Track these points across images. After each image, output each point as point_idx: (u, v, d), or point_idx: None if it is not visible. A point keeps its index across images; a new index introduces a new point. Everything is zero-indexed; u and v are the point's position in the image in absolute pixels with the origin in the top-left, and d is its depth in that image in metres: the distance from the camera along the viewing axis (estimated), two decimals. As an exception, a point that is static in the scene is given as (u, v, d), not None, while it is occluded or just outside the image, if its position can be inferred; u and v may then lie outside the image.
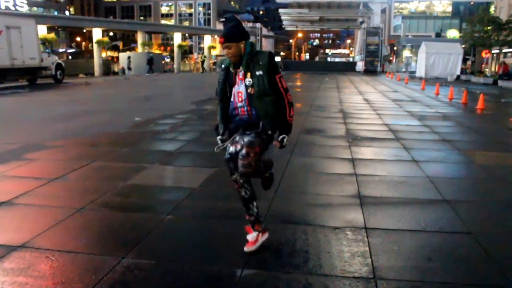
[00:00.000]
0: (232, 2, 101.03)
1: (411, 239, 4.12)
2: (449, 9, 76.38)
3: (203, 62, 49.25)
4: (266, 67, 3.44)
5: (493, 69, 52.03)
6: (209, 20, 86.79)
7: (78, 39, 74.34)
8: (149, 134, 9.45)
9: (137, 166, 6.62)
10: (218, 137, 3.69)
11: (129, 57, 41.21)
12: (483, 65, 53.23)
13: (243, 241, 3.88)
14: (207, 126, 10.59)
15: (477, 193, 5.79)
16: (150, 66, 39.90)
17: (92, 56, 53.45)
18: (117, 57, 56.35)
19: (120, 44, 68.04)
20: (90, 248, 3.83)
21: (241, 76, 3.47)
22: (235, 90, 3.51)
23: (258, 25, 54.10)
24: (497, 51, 47.66)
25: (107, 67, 48.55)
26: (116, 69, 49.45)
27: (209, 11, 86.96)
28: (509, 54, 50.81)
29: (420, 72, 43.06)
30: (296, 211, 4.78)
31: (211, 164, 6.81)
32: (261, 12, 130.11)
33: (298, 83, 29.52)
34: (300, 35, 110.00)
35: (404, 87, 26.54)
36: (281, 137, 3.55)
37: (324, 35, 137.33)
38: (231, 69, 3.51)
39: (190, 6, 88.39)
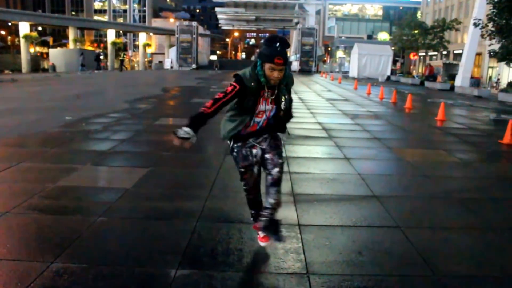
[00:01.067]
0: (168, 0, 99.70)
1: (342, 234, 4.24)
2: (380, 12, 79.54)
3: (122, 61, 46.69)
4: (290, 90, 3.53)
5: (420, 70, 54.67)
6: (144, 17, 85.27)
7: (3, 33, 70.45)
8: (81, 133, 9.12)
9: (68, 167, 6.38)
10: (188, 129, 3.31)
11: (82, 54, 40.00)
12: (411, 67, 55.81)
13: (177, 241, 3.86)
14: (141, 125, 10.39)
15: (404, 189, 6.06)
16: (98, 63, 40.00)
17: (19, 52, 50.85)
18: (47, 53, 53.93)
19: (50, 39, 65.23)
20: (16, 254, 3.64)
21: (266, 97, 3.38)
22: (257, 107, 3.40)
23: (194, 23, 53.58)
24: (424, 54, 50.18)
25: (36, 63, 46.40)
26: (46, 66, 47.32)
27: (144, 8, 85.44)
28: (434, 57, 53.57)
29: (353, 72, 44.56)
30: (231, 209, 4.79)
31: (145, 164, 6.70)
32: (197, 11, 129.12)
33: (235, 82, 29.56)
34: (236, 34, 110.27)
35: (338, 86, 27.31)
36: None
37: (260, 34, 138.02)
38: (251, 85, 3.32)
39: (125, 2, 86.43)
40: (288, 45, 3.37)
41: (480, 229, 4.62)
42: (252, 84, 3.30)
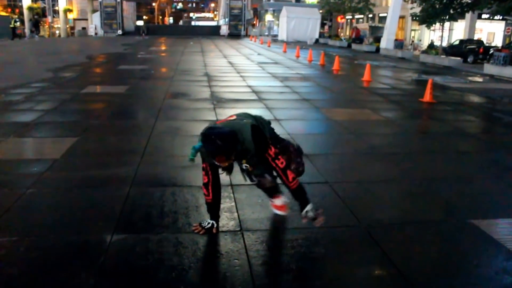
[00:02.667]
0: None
1: (274, 192, 4.39)
2: (308, -25, 79.61)
3: (14, 28, 41.56)
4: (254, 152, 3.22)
5: (347, 33, 55.80)
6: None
7: None
8: (1, 105, 8.64)
9: (-11, 140, 6.07)
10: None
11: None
12: (339, 30, 56.79)
13: (111, 208, 3.86)
14: (67, 94, 9.98)
15: (332, 147, 6.33)
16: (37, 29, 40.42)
17: None
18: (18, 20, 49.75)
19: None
20: None
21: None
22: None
23: (118, -13, 51.31)
24: (351, 17, 51.17)
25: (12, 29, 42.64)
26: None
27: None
28: (360, 20, 54.78)
29: (282, 35, 44.80)
30: (164, 173, 4.80)
31: (73, 133, 6.50)
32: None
33: (163, 48, 28.91)
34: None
35: (267, 50, 27.43)
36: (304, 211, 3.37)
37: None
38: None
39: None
40: (224, 146, 2.97)
41: (401, 180, 4.95)
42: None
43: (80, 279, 2.86)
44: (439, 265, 3.17)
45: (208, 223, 3.46)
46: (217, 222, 3.50)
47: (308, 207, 3.29)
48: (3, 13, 60.85)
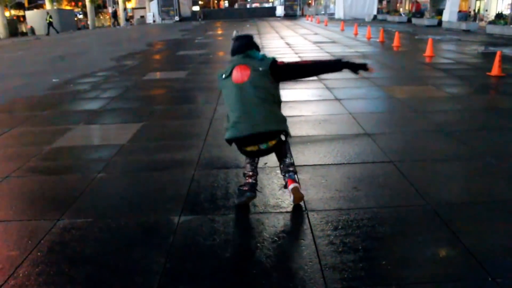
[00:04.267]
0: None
1: (337, 172, 4.36)
2: (363, -51, 77.10)
3: (50, 23, 38.32)
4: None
5: (407, 7, 53.78)
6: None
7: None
8: (70, 94, 9.07)
9: (61, 128, 6.39)
10: None
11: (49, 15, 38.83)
12: (398, 4, 54.83)
13: (177, 190, 3.97)
14: (130, 81, 10.32)
15: (395, 125, 6.16)
16: (115, 19, 47.08)
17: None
18: (23, 16, 52.28)
19: (25, 1, 63.10)
20: (22, 215, 3.73)
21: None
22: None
23: (173, -26, 51.99)
24: (410, -11, 49.10)
25: (14, 27, 44.90)
26: (24, 29, 46.01)
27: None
28: (420, -8, 52.50)
29: (339, 13, 43.81)
30: (227, 156, 4.87)
31: (138, 119, 6.73)
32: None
33: (219, 32, 29.11)
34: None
35: (324, 29, 26.96)
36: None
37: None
38: None
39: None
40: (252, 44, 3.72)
41: (468, 158, 4.75)
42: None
43: (151, 258, 2.98)
44: (510, 245, 3.04)
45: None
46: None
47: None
48: (68, 7, 63.37)
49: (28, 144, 5.76)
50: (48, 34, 36.49)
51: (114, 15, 49.14)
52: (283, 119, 3.46)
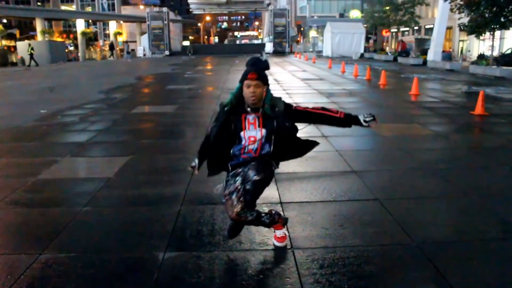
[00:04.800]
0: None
1: (323, 209, 4.37)
2: (351, -10, 79.39)
3: (31, 55, 37.85)
4: (283, 112, 3.34)
5: (393, 47, 55.08)
6: (113, 5, 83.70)
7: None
8: (57, 126, 9.05)
9: (47, 160, 6.35)
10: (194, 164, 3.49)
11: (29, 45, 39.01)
12: (384, 43, 56.18)
13: (163, 225, 3.94)
14: (118, 114, 10.34)
15: (381, 163, 6.22)
16: (112, 51, 52.41)
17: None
18: (14, 47, 52.52)
19: (17, 32, 63.59)
20: (3, 248, 3.66)
21: (251, 121, 3.26)
22: (244, 134, 3.26)
23: (164, 9, 52.85)
24: (396, 30, 50.52)
25: (4, 57, 45.05)
26: (14, 59, 46.14)
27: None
28: (406, 33, 53.98)
29: (327, 51, 44.71)
30: (214, 192, 4.84)
31: (125, 152, 6.71)
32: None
33: (209, 67, 29.46)
34: (208, 18, 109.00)
35: (312, 66, 27.43)
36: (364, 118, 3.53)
37: (232, 17, 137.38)
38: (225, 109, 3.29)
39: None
40: (266, 67, 3.29)
41: (454, 197, 4.80)
42: (226, 108, 3.27)
43: (135, 295, 2.93)
44: (496, 285, 3.04)
45: (195, 162, 3.49)
46: (200, 164, 3.51)
47: (363, 117, 3.52)
48: (59, 39, 63.86)
49: (12, 175, 5.70)
50: (29, 65, 36.36)
51: (111, 47, 53.01)
52: None
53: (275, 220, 3.46)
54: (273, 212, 3.52)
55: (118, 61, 42.55)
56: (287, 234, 3.67)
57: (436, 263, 3.28)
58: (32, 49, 37.56)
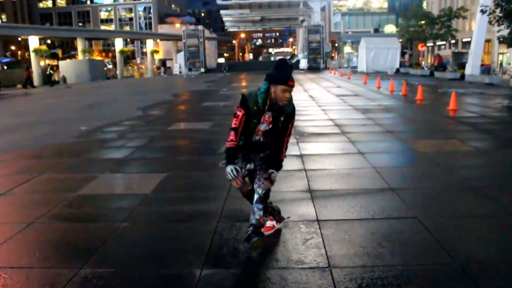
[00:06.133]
0: (173, 5, 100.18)
1: (361, 227, 4.30)
2: (385, 5, 79.06)
3: (50, 75, 38.76)
4: (289, 117, 3.73)
5: (429, 61, 54.24)
6: (150, 24, 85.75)
7: (13, 48, 71.34)
8: (97, 142, 9.28)
9: (87, 176, 6.51)
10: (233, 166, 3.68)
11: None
12: (420, 58, 55.46)
13: (200, 242, 3.95)
14: (155, 131, 10.53)
15: (419, 180, 6.09)
16: (165, 68, 57.27)
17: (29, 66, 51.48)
18: (57, 66, 54.48)
19: (59, 52, 66.01)
20: (45, 262, 3.76)
21: (267, 118, 3.68)
22: (258, 127, 3.74)
23: (200, 27, 53.77)
24: (432, 44, 49.77)
25: (47, 76, 46.83)
26: (57, 78, 47.82)
27: (150, 15, 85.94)
28: (442, 47, 53.17)
29: (362, 66, 44.38)
30: (250, 209, 4.85)
31: (162, 169, 6.81)
32: (202, 14, 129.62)
33: (243, 84, 29.69)
34: (242, 35, 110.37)
35: (347, 82, 27.27)
36: (270, 170, 3.75)
37: (266, 34, 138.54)
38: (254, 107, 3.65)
39: (130, 10, 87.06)
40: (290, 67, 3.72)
41: (497, 215, 4.64)
42: (255, 107, 3.62)
43: (173, 312, 2.94)
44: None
45: (232, 170, 3.62)
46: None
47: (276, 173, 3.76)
48: (99, 57, 65.89)
49: (54, 190, 5.87)
50: (51, 85, 36.72)
51: (164, 64, 59.21)
52: None
53: (275, 214, 4.13)
54: (277, 208, 4.16)
55: (155, 78, 43.40)
56: (276, 226, 4.12)
57: (480, 284, 3.17)
58: (51, 68, 38.41)
